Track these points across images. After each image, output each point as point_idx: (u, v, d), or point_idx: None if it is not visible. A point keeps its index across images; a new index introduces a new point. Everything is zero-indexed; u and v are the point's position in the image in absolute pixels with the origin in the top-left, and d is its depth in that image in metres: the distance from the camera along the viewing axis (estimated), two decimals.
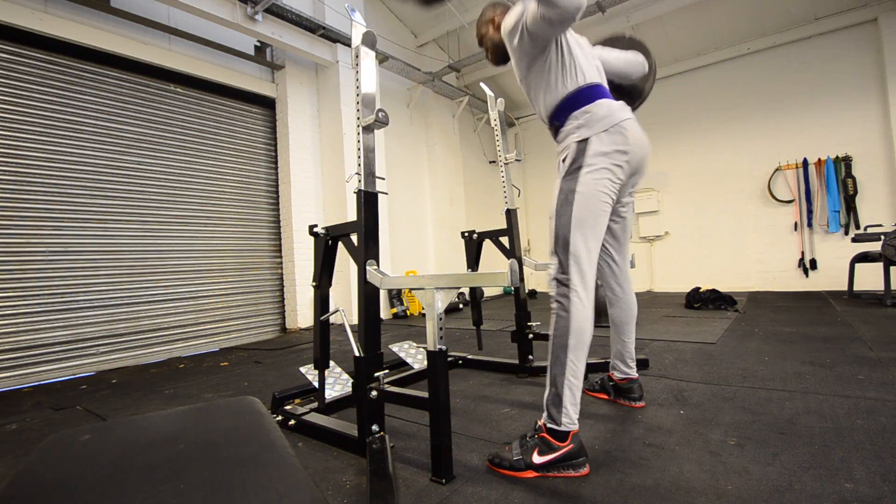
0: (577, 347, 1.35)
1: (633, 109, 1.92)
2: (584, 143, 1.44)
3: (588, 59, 1.57)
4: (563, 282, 1.40)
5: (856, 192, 5.29)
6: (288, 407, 1.90)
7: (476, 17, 1.85)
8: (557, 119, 1.55)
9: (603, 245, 1.74)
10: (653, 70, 1.91)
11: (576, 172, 1.43)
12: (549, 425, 1.34)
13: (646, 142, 1.54)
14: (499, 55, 1.78)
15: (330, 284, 1.88)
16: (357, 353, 1.54)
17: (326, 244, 1.82)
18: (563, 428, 1.31)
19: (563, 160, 1.49)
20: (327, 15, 4.86)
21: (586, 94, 1.49)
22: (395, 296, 5.57)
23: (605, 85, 1.59)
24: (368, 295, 1.56)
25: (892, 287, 3.96)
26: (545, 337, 2.56)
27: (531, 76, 1.57)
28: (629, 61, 1.81)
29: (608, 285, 1.81)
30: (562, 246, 1.41)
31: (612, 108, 1.46)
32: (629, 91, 1.93)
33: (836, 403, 1.71)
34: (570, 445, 1.30)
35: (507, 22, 1.51)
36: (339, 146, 4.89)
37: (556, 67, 1.50)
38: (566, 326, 1.35)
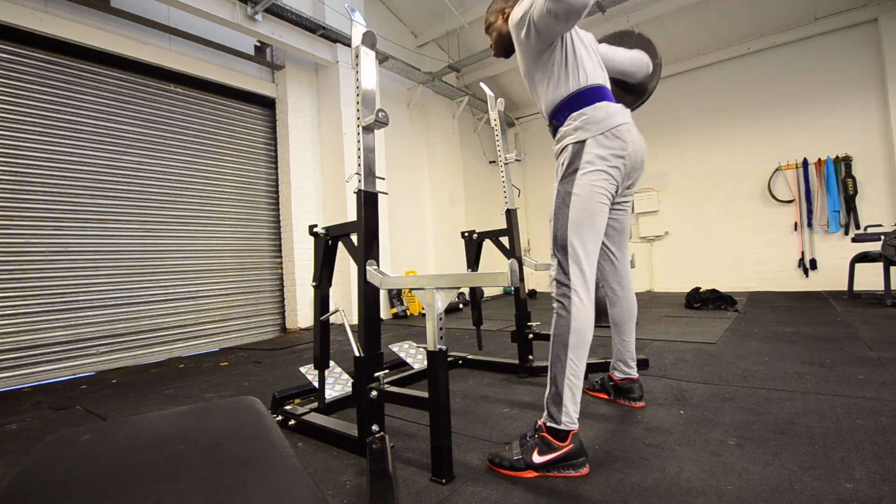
0: (578, 346, 1.35)
1: (637, 106, 1.91)
2: (580, 144, 1.44)
3: (593, 59, 1.56)
4: (562, 282, 1.41)
5: (856, 192, 5.29)
6: (288, 407, 1.90)
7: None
8: (557, 118, 1.55)
9: (602, 244, 1.74)
10: (658, 68, 1.90)
11: (572, 175, 1.44)
12: (549, 424, 1.34)
13: (642, 145, 1.54)
14: (504, 47, 1.76)
15: (330, 284, 1.88)
16: (357, 353, 1.54)
17: (326, 244, 1.82)
18: (562, 427, 1.31)
19: (561, 163, 1.49)
20: (327, 15, 4.86)
21: (587, 96, 1.48)
22: (395, 296, 5.57)
23: (608, 86, 1.59)
24: (368, 295, 1.56)
25: (892, 287, 3.96)
26: (545, 337, 2.56)
27: (535, 71, 1.56)
28: (634, 60, 1.80)
29: (608, 285, 1.81)
30: (560, 248, 1.43)
31: (610, 112, 1.46)
32: (633, 88, 1.93)
33: (836, 403, 1.71)
34: (570, 445, 1.30)
35: (515, 13, 1.50)
36: (339, 146, 4.89)
37: (560, 65, 1.50)
38: (567, 326, 1.37)
